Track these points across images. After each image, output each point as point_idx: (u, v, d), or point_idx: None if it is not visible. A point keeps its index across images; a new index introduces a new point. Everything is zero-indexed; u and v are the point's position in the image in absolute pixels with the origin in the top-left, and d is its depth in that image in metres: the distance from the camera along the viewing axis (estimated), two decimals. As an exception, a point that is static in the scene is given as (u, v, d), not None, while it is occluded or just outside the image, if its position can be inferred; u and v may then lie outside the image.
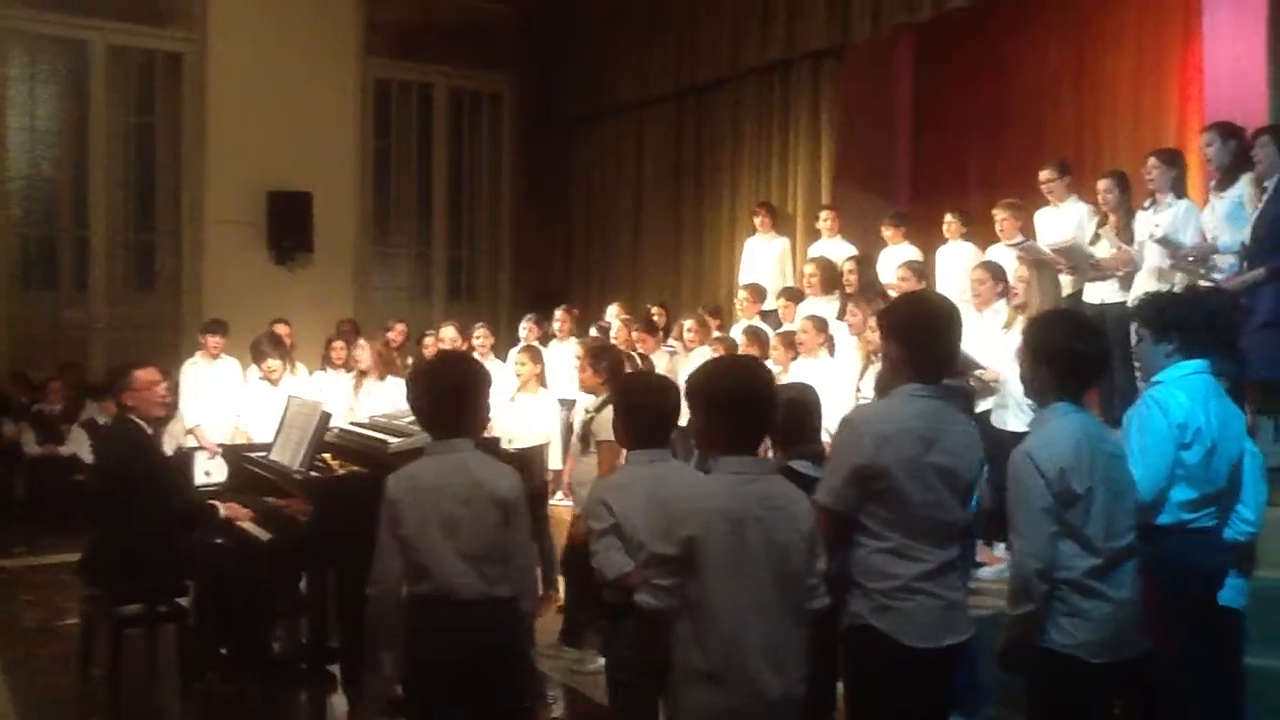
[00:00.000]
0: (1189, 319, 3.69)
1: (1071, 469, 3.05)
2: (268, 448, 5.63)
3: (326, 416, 5.29)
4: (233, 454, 6.20)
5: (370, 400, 7.31)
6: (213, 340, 8.29)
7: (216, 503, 5.29)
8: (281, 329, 8.64)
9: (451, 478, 3.31)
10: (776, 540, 2.75)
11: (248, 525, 5.14)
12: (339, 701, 5.14)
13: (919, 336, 3.10)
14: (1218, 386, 3.67)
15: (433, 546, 3.26)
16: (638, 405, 3.49)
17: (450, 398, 3.42)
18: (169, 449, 7.84)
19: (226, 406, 7.88)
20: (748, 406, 2.85)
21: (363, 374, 7.63)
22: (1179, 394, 3.57)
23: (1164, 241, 6.00)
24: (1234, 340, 5.22)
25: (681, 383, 7.88)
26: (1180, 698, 3.45)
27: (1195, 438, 3.54)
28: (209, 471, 7.50)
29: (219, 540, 5.30)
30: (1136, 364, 3.93)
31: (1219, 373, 3.84)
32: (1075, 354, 3.19)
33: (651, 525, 2.88)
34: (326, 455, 5.42)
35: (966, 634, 3.09)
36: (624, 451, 3.58)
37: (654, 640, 2.82)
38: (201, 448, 7.98)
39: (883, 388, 3.90)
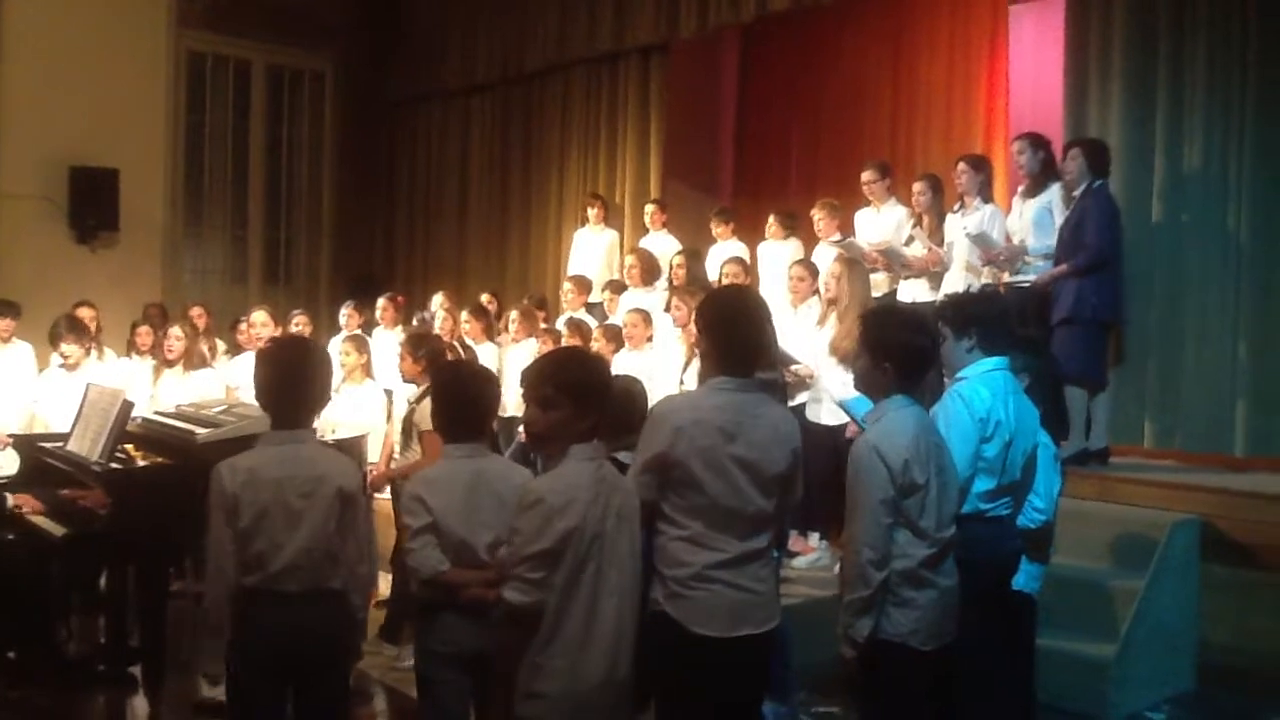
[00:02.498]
0: (986, 316, 3.88)
1: (914, 460, 3.18)
2: (64, 438, 5.32)
3: (128, 405, 5.04)
4: (25, 444, 5.82)
5: (174, 389, 6.98)
6: (1, 324, 7.78)
7: (4, 495, 4.96)
8: (85, 312, 8.16)
9: (293, 469, 3.21)
10: (628, 520, 2.89)
11: (39, 519, 4.84)
12: (140, 704, 4.91)
13: (723, 330, 3.18)
14: (1015, 383, 3.86)
15: (270, 538, 3.16)
16: (456, 395, 3.43)
17: (294, 385, 3.30)
18: (-45, 439, 7.32)
19: (19, 394, 7.41)
20: (601, 396, 2.93)
21: (168, 362, 7.26)
22: (981, 389, 3.73)
23: (978, 239, 6.29)
24: (1035, 336, 5.53)
25: (511, 374, 7.80)
26: (975, 678, 3.61)
27: (995, 431, 3.70)
28: (0, 465, 7.04)
29: (9, 536, 4.97)
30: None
31: (1019, 368, 4.05)
32: (914, 348, 3.31)
33: (522, 526, 2.84)
34: (129, 446, 5.17)
35: (767, 625, 3.14)
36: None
37: (517, 635, 2.82)
38: (-9, 439, 7.48)
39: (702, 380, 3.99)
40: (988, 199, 6.63)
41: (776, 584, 3.28)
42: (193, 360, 7.11)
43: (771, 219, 8.14)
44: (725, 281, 7.07)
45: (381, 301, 8.81)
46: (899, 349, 3.29)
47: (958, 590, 3.32)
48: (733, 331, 3.18)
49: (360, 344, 6.91)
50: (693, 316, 6.25)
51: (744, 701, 3.23)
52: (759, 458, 3.09)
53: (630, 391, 4.17)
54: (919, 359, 3.33)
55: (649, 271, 7.95)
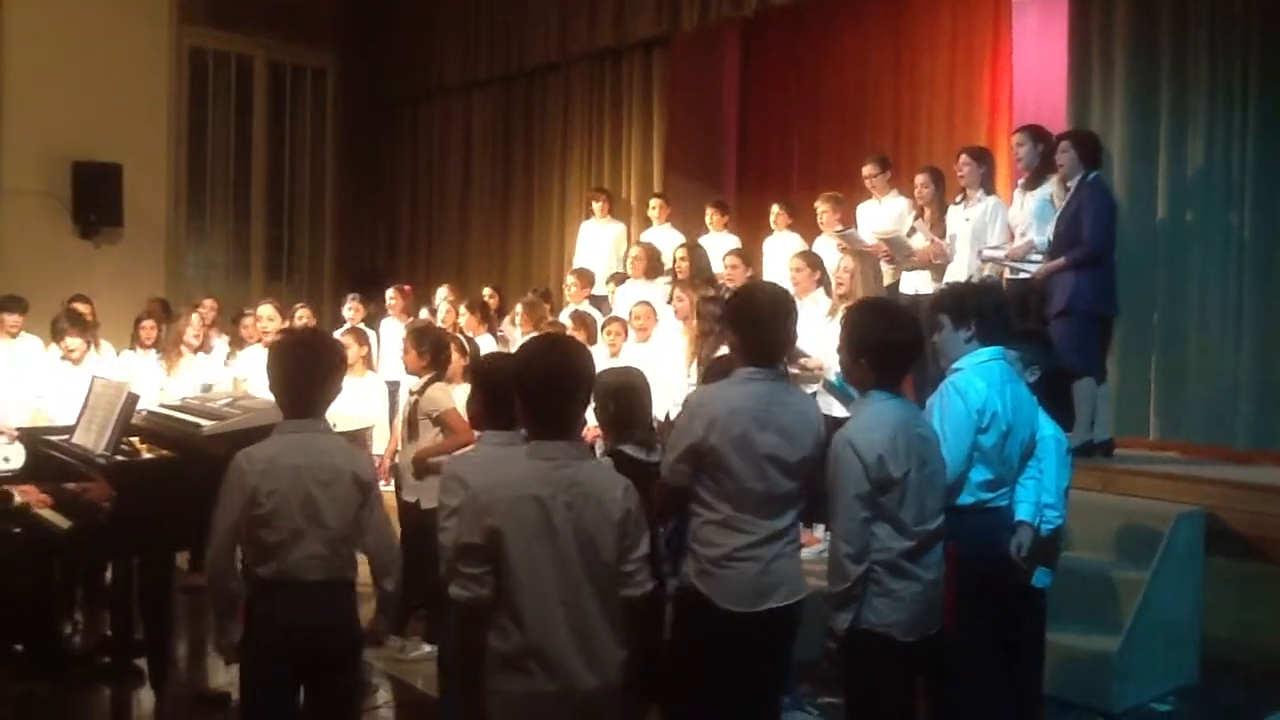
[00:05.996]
0: (985, 308, 3.87)
1: (888, 455, 3.19)
2: (69, 431, 5.31)
3: (134, 398, 5.02)
4: (32, 437, 5.82)
5: (192, 375, 7.02)
6: (10, 319, 7.80)
7: (10, 488, 4.95)
8: (82, 306, 8.18)
9: (312, 459, 3.23)
10: (584, 529, 2.70)
11: (45, 512, 4.83)
12: (146, 696, 4.90)
13: (749, 324, 3.31)
14: (1011, 372, 3.85)
15: (288, 527, 3.17)
16: (495, 385, 3.43)
17: (309, 376, 3.32)
18: (-38, 433, 7.33)
19: (26, 388, 7.42)
20: (560, 387, 2.78)
21: (180, 352, 7.28)
22: (977, 380, 3.72)
23: (984, 251, 6.35)
24: (1041, 330, 5.52)
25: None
26: (967, 671, 3.59)
27: (992, 422, 3.68)
28: (8, 457, 7.01)
29: (15, 529, 4.97)
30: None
31: (1030, 361, 4.05)
32: (890, 343, 3.31)
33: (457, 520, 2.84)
34: (134, 439, 5.16)
35: (795, 598, 3.28)
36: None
37: (470, 631, 2.77)
38: None
39: (715, 371, 4.01)
40: (990, 191, 6.64)
41: (799, 558, 3.38)
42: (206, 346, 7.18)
43: (775, 209, 8.19)
44: (726, 273, 7.07)
45: (391, 292, 8.84)
46: (873, 344, 3.30)
47: (942, 583, 3.33)
48: (757, 325, 3.30)
49: (360, 337, 6.92)
50: (695, 307, 6.30)
51: (766, 674, 3.33)
52: (787, 443, 3.23)
53: (632, 385, 4.16)
54: (895, 353, 3.32)
55: (653, 265, 7.96)
